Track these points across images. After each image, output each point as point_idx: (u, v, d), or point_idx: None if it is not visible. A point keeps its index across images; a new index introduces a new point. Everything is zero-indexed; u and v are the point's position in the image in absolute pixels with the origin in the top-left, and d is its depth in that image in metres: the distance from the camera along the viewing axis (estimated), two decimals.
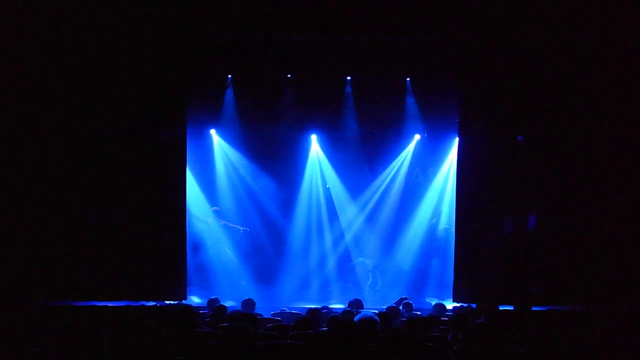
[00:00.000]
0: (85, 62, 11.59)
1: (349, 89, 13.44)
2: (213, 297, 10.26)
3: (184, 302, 11.53)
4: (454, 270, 12.15)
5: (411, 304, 10.30)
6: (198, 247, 13.35)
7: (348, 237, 14.27)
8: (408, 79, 13.40)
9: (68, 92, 11.65)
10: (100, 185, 11.79)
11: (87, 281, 11.68)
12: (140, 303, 10.55)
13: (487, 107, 12.09)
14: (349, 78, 13.34)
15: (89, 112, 11.74)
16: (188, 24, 11.47)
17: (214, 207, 13.93)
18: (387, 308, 9.39)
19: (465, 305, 10.16)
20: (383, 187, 14.36)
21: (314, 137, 14.29)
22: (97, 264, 11.78)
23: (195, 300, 12.43)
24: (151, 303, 10.49)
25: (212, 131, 13.97)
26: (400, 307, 9.96)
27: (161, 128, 11.90)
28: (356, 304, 9.62)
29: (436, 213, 14.15)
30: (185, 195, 12.20)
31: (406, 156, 14.29)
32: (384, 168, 14.38)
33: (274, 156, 14.05)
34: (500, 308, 9.37)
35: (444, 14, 11.37)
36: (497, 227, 12.26)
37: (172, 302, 11.26)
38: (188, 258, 12.28)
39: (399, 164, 14.33)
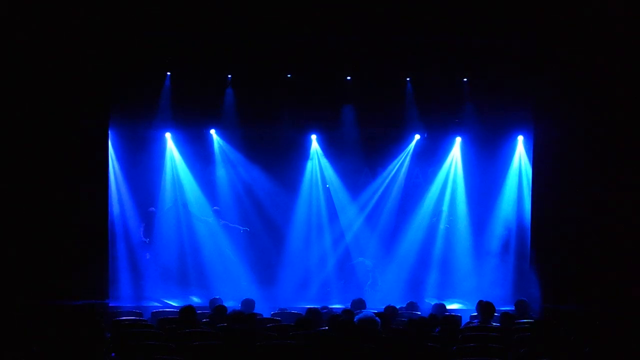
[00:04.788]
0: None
1: (350, 89, 13.43)
2: (215, 297, 10.25)
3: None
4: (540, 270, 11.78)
5: (416, 304, 10.35)
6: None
7: (348, 237, 14.26)
8: (408, 78, 13.41)
9: None
10: (16, 177, 11.11)
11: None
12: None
13: (559, 104, 11.98)
14: (348, 78, 13.34)
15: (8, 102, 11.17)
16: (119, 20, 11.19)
17: (214, 207, 13.93)
18: (386, 308, 9.39)
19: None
20: (383, 187, 14.36)
21: (314, 137, 14.29)
22: (15, 261, 10.96)
23: (195, 300, 12.45)
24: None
25: (212, 131, 13.98)
26: (404, 307, 10.00)
27: (81, 120, 11.38)
28: (359, 304, 9.62)
29: (436, 213, 14.16)
30: (108, 188, 11.81)
31: (406, 156, 14.30)
32: (384, 168, 14.39)
33: (274, 156, 14.03)
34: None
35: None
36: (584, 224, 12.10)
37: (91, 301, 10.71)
38: (188, 259, 12.17)
39: (399, 164, 14.34)
